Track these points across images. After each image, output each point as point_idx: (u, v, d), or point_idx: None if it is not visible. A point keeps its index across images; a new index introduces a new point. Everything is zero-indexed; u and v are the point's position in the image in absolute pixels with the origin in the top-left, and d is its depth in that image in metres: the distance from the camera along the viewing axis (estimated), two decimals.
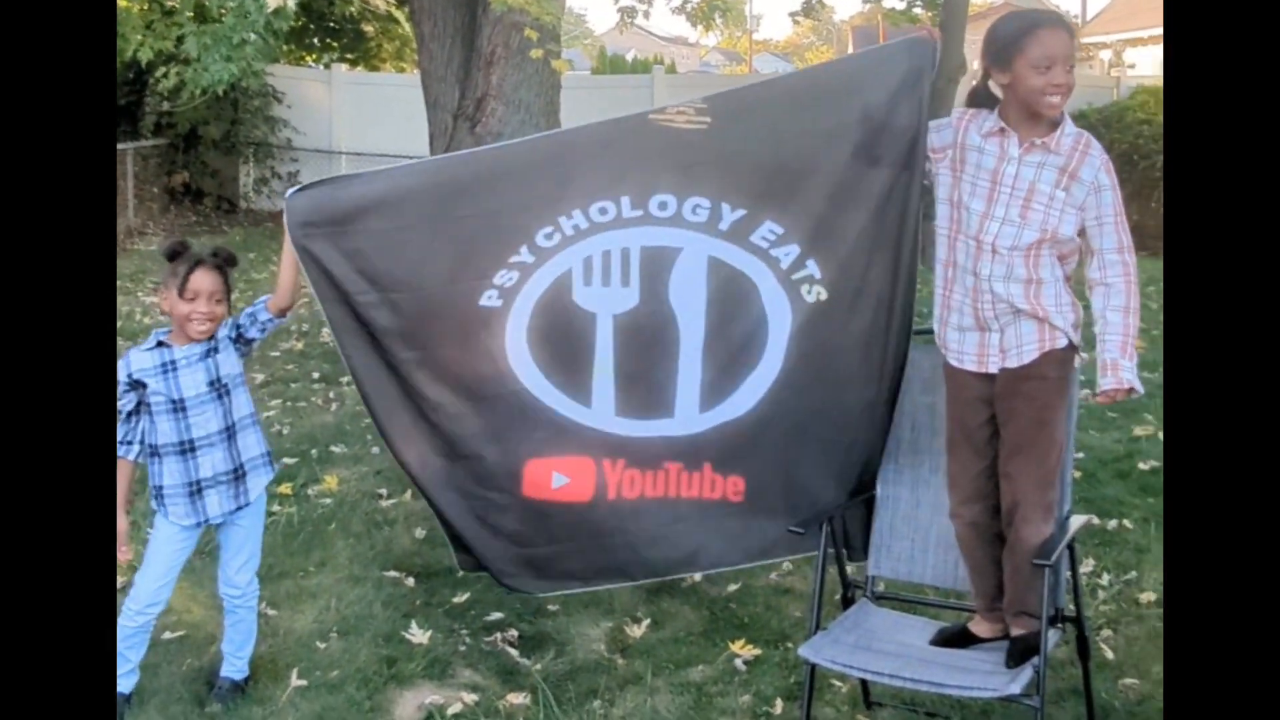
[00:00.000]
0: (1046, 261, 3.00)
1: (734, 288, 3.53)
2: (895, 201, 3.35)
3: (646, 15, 12.54)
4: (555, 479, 3.65)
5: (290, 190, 3.49)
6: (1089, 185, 2.95)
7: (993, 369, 3.08)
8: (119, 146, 12.89)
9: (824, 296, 3.48)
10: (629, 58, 23.73)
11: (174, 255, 3.31)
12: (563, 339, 3.58)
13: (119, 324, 8.29)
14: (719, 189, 3.45)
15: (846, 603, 3.44)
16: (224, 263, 3.33)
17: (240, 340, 3.39)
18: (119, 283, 9.92)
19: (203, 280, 3.24)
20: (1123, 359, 2.93)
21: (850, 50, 42.80)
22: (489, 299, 3.53)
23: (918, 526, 3.46)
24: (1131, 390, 2.94)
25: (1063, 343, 3.02)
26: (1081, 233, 3.01)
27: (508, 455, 3.65)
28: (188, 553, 3.40)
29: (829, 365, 3.52)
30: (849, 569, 3.48)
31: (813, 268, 3.47)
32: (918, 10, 14.05)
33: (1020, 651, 3.03)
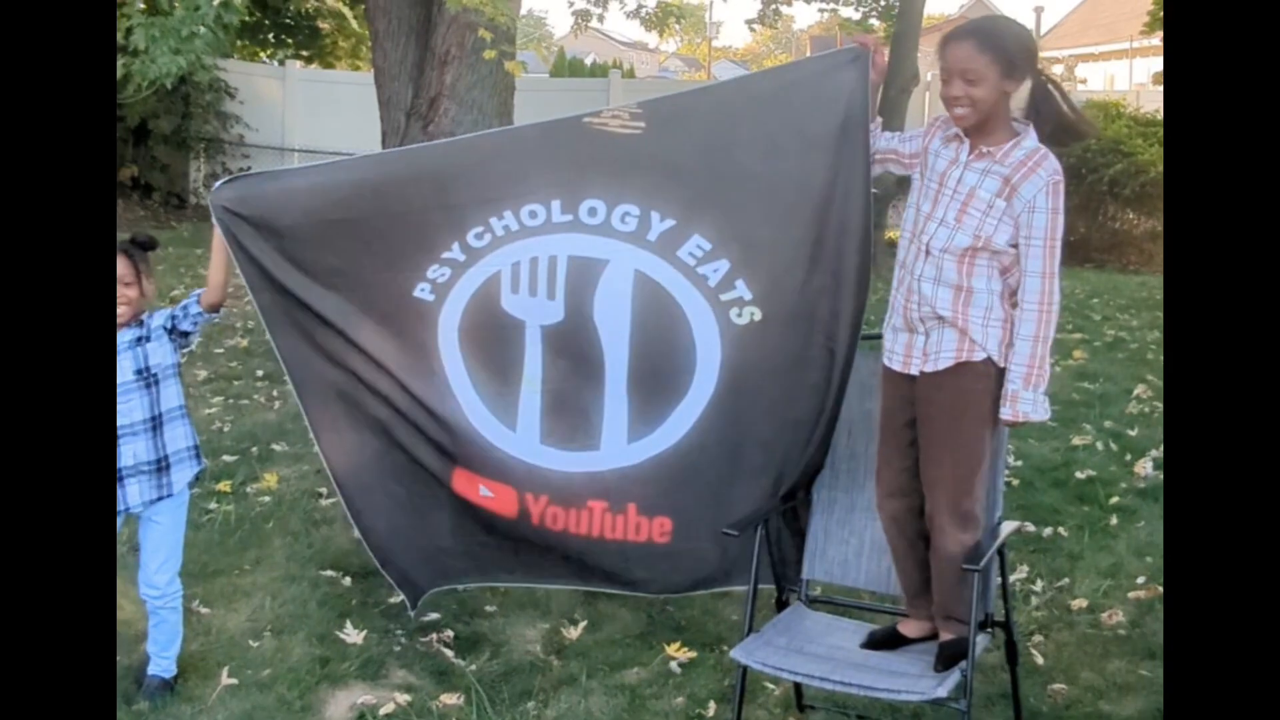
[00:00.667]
0: (982, 271, 2.98)
1: (660, 310, 3.45)
2: (834, 215, 3.26)
3: (601, 19, 12.54)
4: (481, 489, 3.66)
5: (218, 183, 3.50)
6: (1026, 202, 2.90)
7: (913, 370, 3.09)
8: None
9: (756, 317, 3.40)
10: (588, 61, 23.72)
11: None
12: (493, 343, 3.56)
13: None
14: (649, 196, 3.39)
15: (781, 606, 3.45)
16: (134, 246, 3.32)
17: (175, 332, 3.36)
18: None
19: None
20: (1024, 390, 2.93)
21: None
22: (422, 291, 3.53)
23: (853, 530, 3.48)
24: (1027, 421, 2.97)
25: (980, 356, 2.99)
26: (1015, 245, 2.98)
27: (437, 455, 3.66)
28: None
29: (761, 389, 3.46)
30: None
31: (742, 288, 3.39)
32: (873, 21, 14.19)
33: (948, 656, 3.06)
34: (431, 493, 3.70)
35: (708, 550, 3.57)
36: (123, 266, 3.26)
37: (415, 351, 3.57)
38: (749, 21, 15.09)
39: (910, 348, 3.10)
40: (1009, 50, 2.89)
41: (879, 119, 3.29)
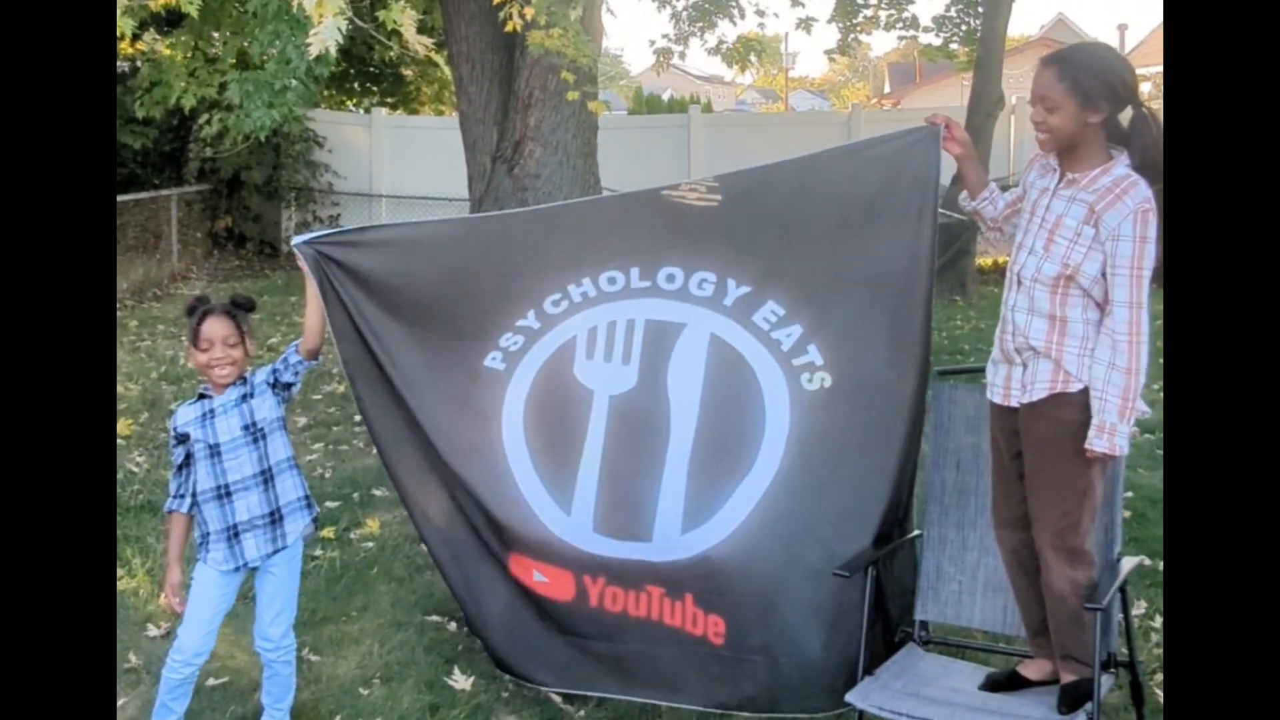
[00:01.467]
0: (1076, 301, 2.93)
1: (733, 374, 3.45)
2: (897, 287, 3.32)
3: (683, 56, 12.60)
4: (536, 575, 3.59)
5: (304, 235, 3.56)
6: (1111, 230, 2.84)
7: (1013, 403, 3.04)
8: (164, 193, 13.09)
9: (827, 384, 3.40)
10: (665, 97, 23.86)
11: (190, 311, 3.37)
12: (558, 416, 3.54)
13: (163, 369, 8.38)
14: (725, 264, 3.47)
15: (893, 647, 3.39)
16: (235, 308, 3.36)
17: (278, 385, 3.41)
18: (163, 328, 10.05)
19: (214, 327, 3.30)
20: (1120, 423, 2.85)
21: (886, 86, 42.92)
22: (493, 360, 3.54)
23: (965, 568, 3.42)
24: (1119, 455, 2.88)
25: (1076, 387, 2.92)
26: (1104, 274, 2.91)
27: (495, 532, 3.61)
28: (229, 600, 3.40)
29: (830, 463, 3.38)
30: (893, 614, 3.43)
31: (814, 353, 3.41)
32: (954, 45, 14.04)
33: (1071, 698, 2.97)
34: (488, 573, 3.65)
35: (758, 664, 3.40)
36: (227, 327, 3.31)
37: (479, 424, 3.56)
38: (828, 52, 15.05)
39: (1009, 380, 3.06)
40: (1084, 81, 2.86)
41: (992, 185, 3.30)
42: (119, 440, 6.51)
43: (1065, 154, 2.97)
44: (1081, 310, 2.93)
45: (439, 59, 8.60)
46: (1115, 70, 2.90)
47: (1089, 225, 2.88)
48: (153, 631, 4.18)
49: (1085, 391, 2.91)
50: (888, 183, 3.32)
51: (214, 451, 3.31)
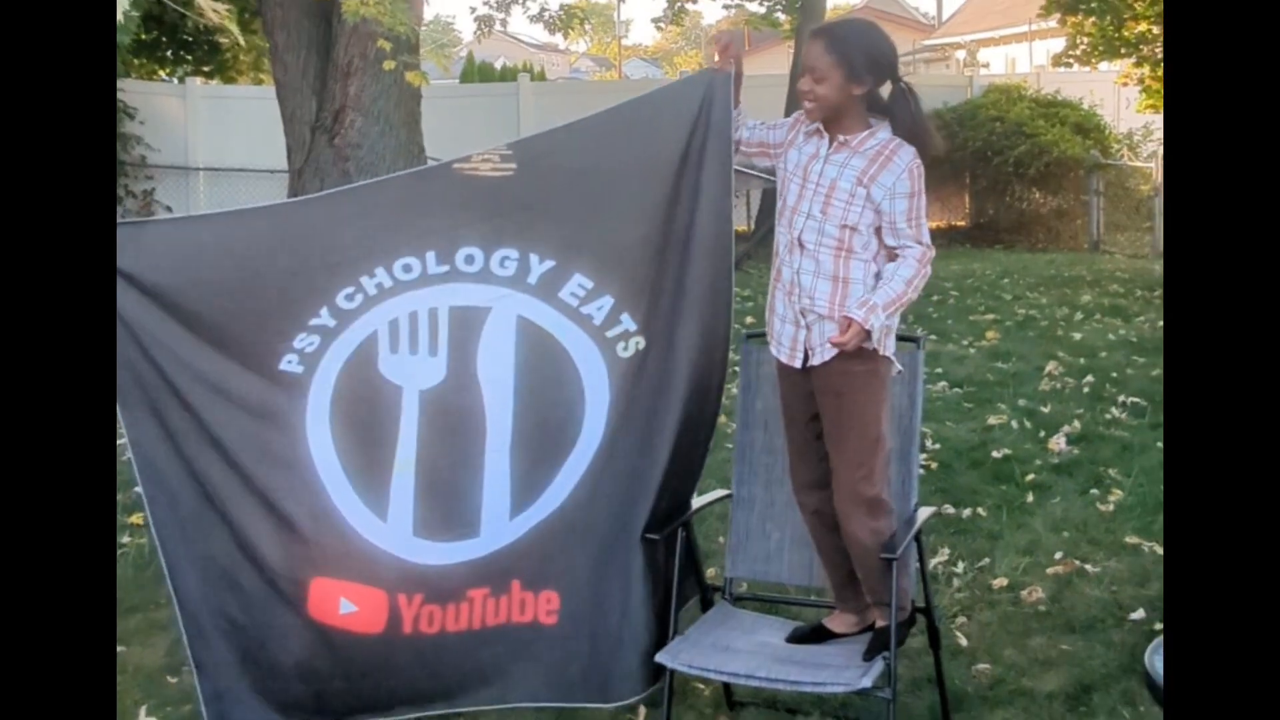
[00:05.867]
0: (859, 265, 3.07)
1: (545, 356, 3.37)
2: (700, 233, 3.29)
3: (504, 24, 12.49)
4: (343, 604, 3.34)
5: None
6: (887, 190, 3.02)
7: (798, 364, 3.14)
8: None
9: (641, 346, 3.36)
10: (498, 65, 23.59)
11: None
12: (367, 416, 3.35)
13: None
14: (527, 238, 3.34)
15: (706, 605, 3.46)
16: None
17: None
18: None
19: None
20: (881, 310, 2.99)
21: (717, 55, 43.14)
22: (289, 364, 3.30)
23: (774, 525, 3.50)
24: (866, 335, 2.97)
25: (877, 345, 3.04)
26: (879, 230, 3.06)
27: (293, 565, 3.32)
28: None
29: (648, 421, 3.35)
30: (709, 573, 3.51)
31: (627, 321, 3.36)
32: (779, 15, 14.30)
33: (883, 643, 3.09)
34: (281, 623, 3.33)
35: (598, 633, 3.31)
36: None
37: (277, 436, 3.30)
38: (655, 20, 15.12)
39: (795, 340, 3.15)
40: (853, 55, 3.01)
41: (740, 106, 3.33)
42: None
43: (830, 122, 3.10)
44: (863, 273, 3.07)
45: (234, 27, 8.27)
46: (879, 46, 3.08)
47: (861, 187, 3.04)
48: None
49: (869, 351, 3.03)
50: (680, 127, 3.28)
51: None
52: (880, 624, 3.15)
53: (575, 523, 3.36)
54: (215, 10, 4.44)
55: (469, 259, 3.36)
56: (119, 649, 3.81)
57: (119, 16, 4.19)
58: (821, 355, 3.09)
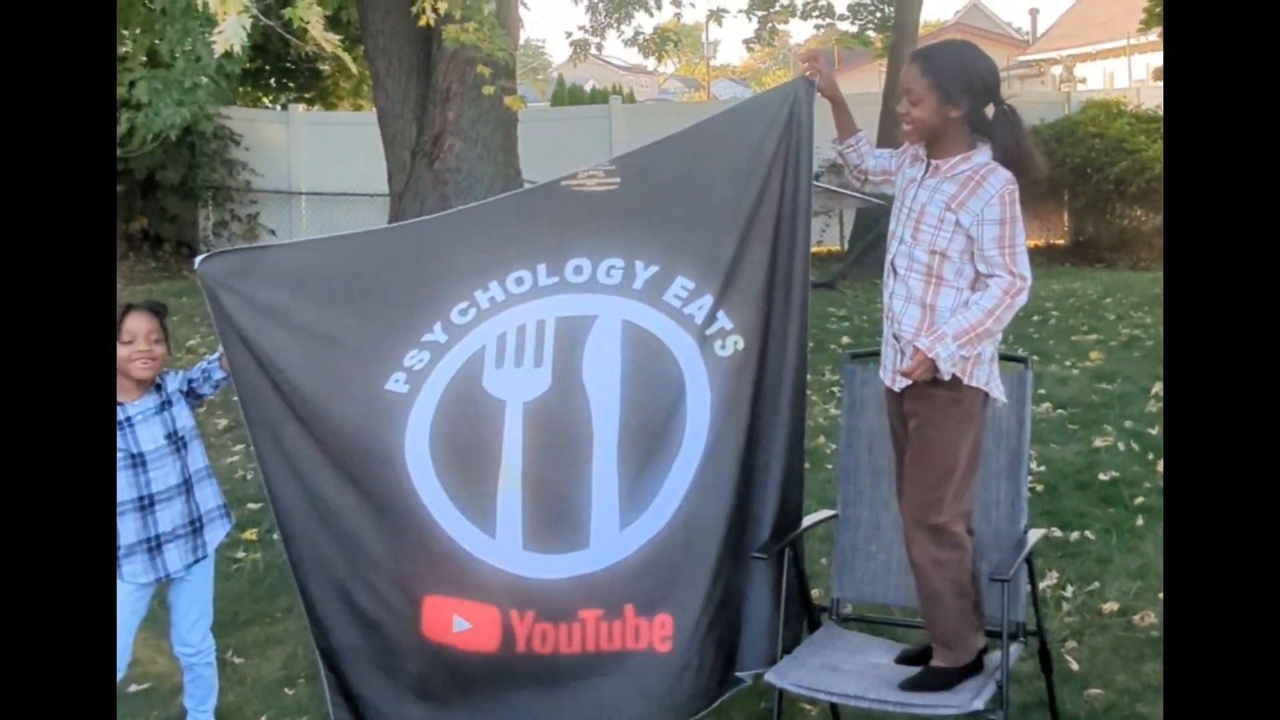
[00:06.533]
0: (949, 293, 3.01)
1: (650, 357, 3.41)
2: (784, 235, 3.41)
3: (600, 48, 12.62)
4: (456, 622, 3.37)
5: (202, 256, 3.42)
6: (975, 216, 2.95)
7: (897, 387, 3.12)
8: None
9: (740, 346, 3.42)
10: (588, 88, 23.82)
11: None
12: (470, 434, 3.38)
13: None
14: (632, 247, 3.44)
15: (813, 626, 3.46)
16: (155, 306, 3.32)
17: (191, 394, 3.38)
18: None
19: (137, 322, 3.24)
20: (951, 340, 2.92)
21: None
22: (396, 383, 3.37)
23: (880, 547, 3.49)
24: (934, 367, 2.92)
25: (946, 376, 2.97)
26: (972, 255, 3.00)
27: (406, 584, 3.38)
28: (144, 612, 3.35)
29: (753, 423, 3.41)
30: (815, 593, 3.50)
31: (724, 319, 3.43)
32: (870, 33, 14.22)
33: (917, 683, 3.04)
34: (397, 642, 3.39)
35: (707, 654, 3.35)
36: (151, 323, 3.26)
37: (379, 459, 3.35)
38: (746, 41, 15.14)
39: (893, 363, 3.13)
40: (947, 78, 2.98)
41: (860, 132, 3.42)
42: None
43: (930, 144, 3.09)
44: (953, 301, 3.01)
45: (346, 56, 8.46)
46: (975, 68, 3.03)
47: (949, 212, 2.98)
48: None
49: (954, 379, 2.98)
50: (770, 136, 3.39)
51: (137, 461, 3.24)
52: (935, 663, 3.09)
53: (686, 539, 3.37)
54: (328, 40, 4.56)
55: (577, 269, 3.45)
56: (237, 660, 3.92)
57: (236, 49, 4.31)
58: (902, 381, 3.07)
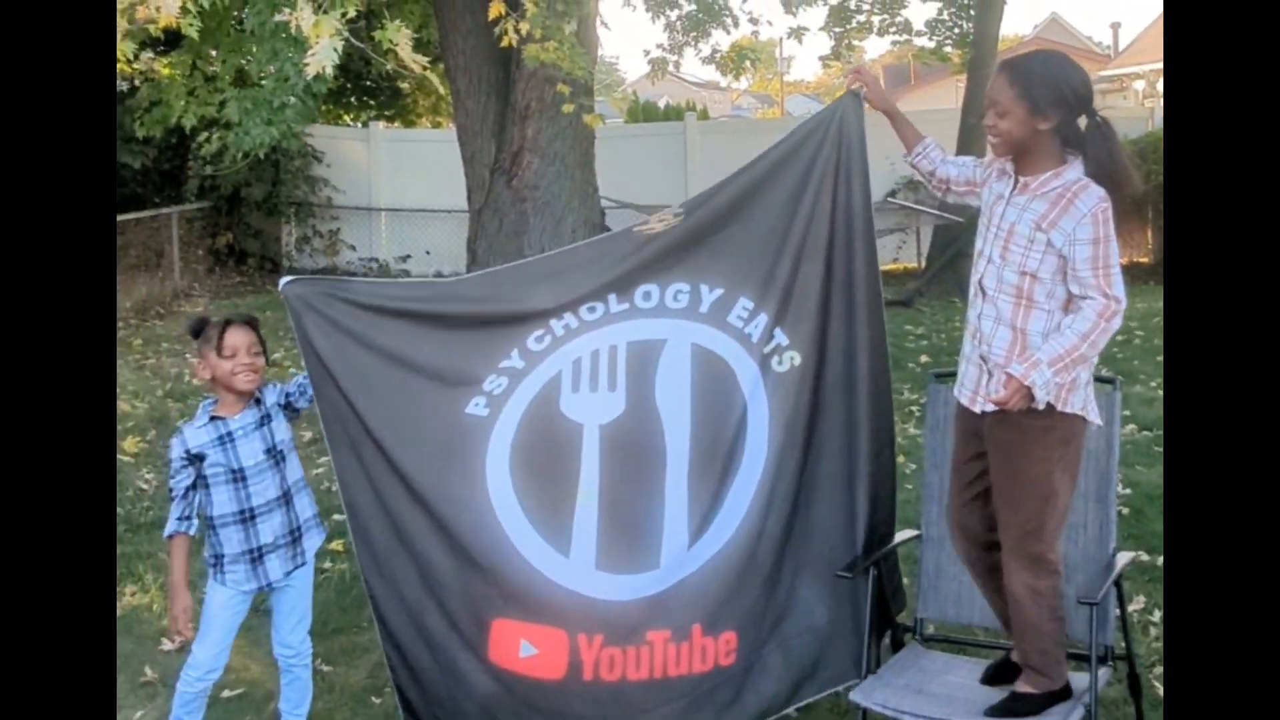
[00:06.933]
0: (1040, 316, 2.93)
1: (716, 377, 3.48)
2: (840, 249, 3.43)
3: (678, 66, 12.67)
4: (523, 647, 3.42)
5: (286, 279, 3.51)
6: (1067, 236, 2.85)
7: (978, 408, 3.05)
8: (164, 211, 13.16)
9: (796, 361, 3.46)
10: (661, 104, 23.91)
11: (200, 325, 3.38)
12: (548, 456, 3.47)
13: (168, 386, 8.44)
14: (696, 272, 3.52)
15: (896, 646, 3.45)
16: (251, 320, 3.41)
17: (288, 408, 3.46)
18: (167, 345, 10.12)
19: (237, 336, 3.32)
20: (1047, 366, 2.84)
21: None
22: (476, 407, 3.46)
23: (964, 568, 3.46)
24: (1030, 396, 2.84)
25: (1041, 405, 2.90)
26: (1065, 276, 2.91)
27: (475, 606, 3.44)
28: (242, 616, 3.44)
29: (812, 436, 3.46)
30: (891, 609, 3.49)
31: (780, 335, 3.48)
32: (948, 49, 14.12)
33: (1006, 709, 3.01)
34: (463, 667, 3.44)
35: (772, 655, 3.42)
36: (249, 335, 3.34)
37: (462, 479, 3.44)
38: (823, 58, 15.11)
39: (978, 384, 3.06)
40: (1036, 89, 2.88)
41: (927, 138, 3.38)
42: (126, 459, 6.57)
43: (1019, 158, 3.00)
44: (1044, 325, 2.93)
45: (433, 76, 8.62)
46: (1066, 79, 2.91)
47: (1040, 231, 2.89)
48: (167, 646, 4.24)
49: (1048, 406, 2.91)
50: (821, 154, 3.43)
51: (238, 476, 3.32)
52: (1023, 689, 3.05)
53: (750, 554, 3.41)
54: (416, 62, 4.66)
55: (646, 295, 3.53)
56: (325, 668, 4.00)
57: (327, 71, 4.41)
58: (984, 403, 3.00)
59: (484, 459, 3.45)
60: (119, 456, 6.57)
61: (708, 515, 3.44)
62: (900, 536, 3.57)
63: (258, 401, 3.40)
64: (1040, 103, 2.88)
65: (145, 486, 6.13)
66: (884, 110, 3.40)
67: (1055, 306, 2.92)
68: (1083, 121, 2.94)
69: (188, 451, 3.31)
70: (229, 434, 3.33)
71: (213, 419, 3.35)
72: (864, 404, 3.45)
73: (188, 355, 9.67)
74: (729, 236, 3.51)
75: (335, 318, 3.43)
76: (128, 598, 4.70)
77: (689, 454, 3.46)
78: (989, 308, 3.00)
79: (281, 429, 3.42)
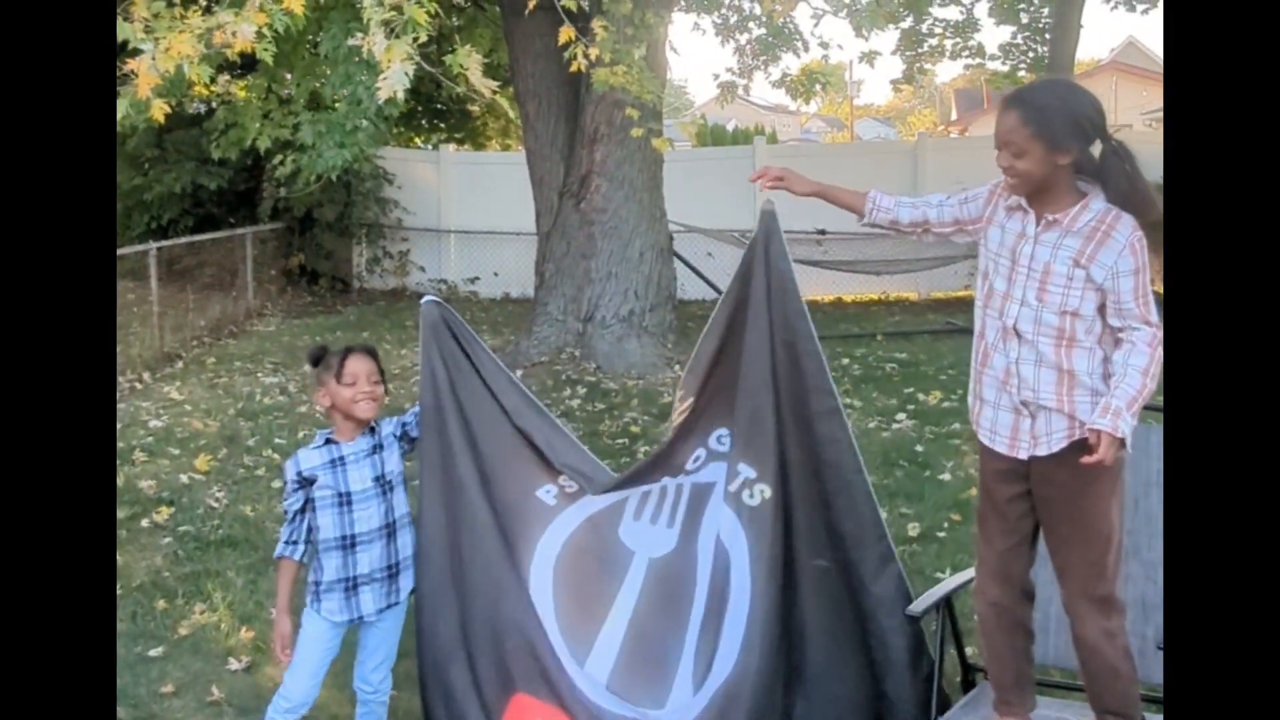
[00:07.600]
0: (1082, 354, 2.82)
1: (718, 521, 3.48)
2: (784, 366, 3.39)
3: (747, 90, 12.68)
4: None
5: (429, 298, 3.60)
6: (1109, 270, 2.75)
7: (1023, 455, 2.92)
8: (239, 232, 13.40)
9: (767, 494, 3.40)
10: (730, 128, 23.95)
11: (320, 353, 3.40)
12: (594, 569, 3.52)
13: (240, 405, 8.56)
14: (719, 418, 3.53)
15: (967, 686, 3.37)
16: (371, 349, 3.43)
17: (404, 439, 3.48)
18: (240, 364, 10.27)
19: (358, 364, 3.33)
20: (1126, 412, 2.70)
21: (953, 113, 42.70)
22: (546, 494, 3.53)
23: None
24: (1121, 444, 2.70)
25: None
26: (1102, 309, 2.81)
27: (504, 672, 3.48)
28: (336, 650, 3.42)
29: (794, 563, 3.41)
30: (969, 651, 3.41)
31: (746, 469, 3.44)
32: (1022, 72, 13.97)
33: None
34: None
35: None
36: (370, 364, 3.35)
37: (513, 553, 3.50)
38: (894, 82, 15.03)
39: (1016, 430, 2.93)
40: (1053, 123, 2.72)
41: (871, 193, 3.22)
42: (198, 476, 6.67)
43: (1035, 196, 2.84)
44: (1088, 362, 2.83)
45: (504, 100, 8.71)
46: (1081, 108, 2.76)
47: (1079, 268, 2.77)
48: (234, 665, 4.27)
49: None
50: (754, 281, 3.42)
51: (344, 500, 3.31)
52: None
53: (746, 683, 3.31)
54: (487, 86, 4.69)
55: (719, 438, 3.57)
56: (392, 693, 4.00)
57: (399, 95, 4.46)
58: (1048, 446, 2.87)
59: (535, 545, 3.53)
60: (191, 475, 6.67)
61: (708, 655, 3.42)
62: (965, 576, 3.47)
63: (372, 430, 3.40)
64: (1058, 137, 2.72)
65: (215, 505, 6.20)
66: (812, 194, 3.21)
67: (1093, 341, 2.83)
68: (1097, 147, 2.80)
69: (300, 473, 3.32)
70: (341, 458, 3.33)
71: (328, 442, 3.36)
72: (841, 516, 3.41)
73: (259, 375, 9.82)
74: (706, 380, 3.54)
75: (466, 344, 3.54)
76: (196, 616, 4.75)
77: (706, 599, 3.47)
78: (1027, 350, 2.86)
79: (393, 459, 3.42)
